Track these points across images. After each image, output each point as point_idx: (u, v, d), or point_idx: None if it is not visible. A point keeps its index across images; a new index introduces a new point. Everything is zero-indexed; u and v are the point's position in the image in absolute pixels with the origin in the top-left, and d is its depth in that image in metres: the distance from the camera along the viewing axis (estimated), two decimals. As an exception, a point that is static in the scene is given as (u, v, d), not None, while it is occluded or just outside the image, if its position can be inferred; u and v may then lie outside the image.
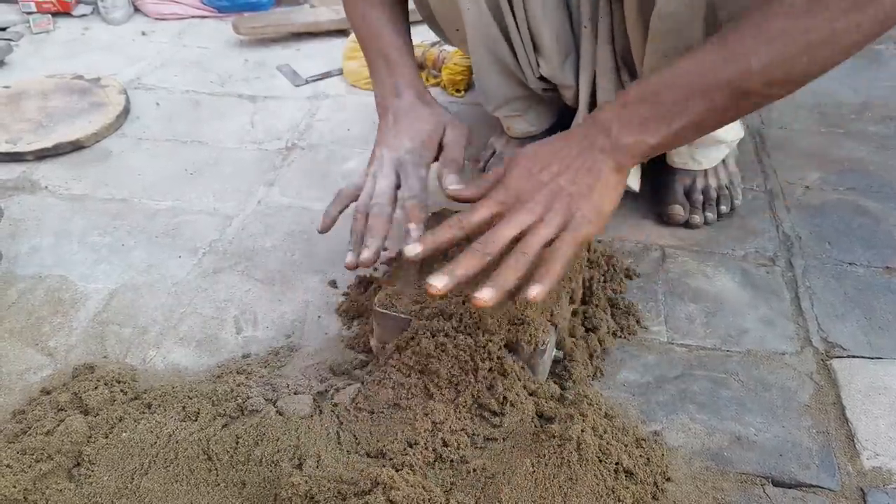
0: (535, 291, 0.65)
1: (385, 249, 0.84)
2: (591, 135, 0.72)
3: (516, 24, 0.96)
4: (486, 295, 0.65)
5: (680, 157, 1.09)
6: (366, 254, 0.80)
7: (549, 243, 0.69)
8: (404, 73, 0.91)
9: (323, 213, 0.89)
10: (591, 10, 0.93)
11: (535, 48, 0.99)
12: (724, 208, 1.10)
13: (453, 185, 0.82)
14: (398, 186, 0.86)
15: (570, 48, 0.98)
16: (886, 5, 0.61)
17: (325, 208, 0.89)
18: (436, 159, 0.89)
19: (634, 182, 1.07)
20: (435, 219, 0.89)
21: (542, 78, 1.04)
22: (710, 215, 1.09)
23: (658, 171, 1.13)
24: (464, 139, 0.90)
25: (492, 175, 0.77)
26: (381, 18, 0.93)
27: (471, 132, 0.92)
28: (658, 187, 1.13)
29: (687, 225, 1.08)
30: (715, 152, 1.09)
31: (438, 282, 0.66)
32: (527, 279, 0.67)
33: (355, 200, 0.88)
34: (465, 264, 0.67)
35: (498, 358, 0.74)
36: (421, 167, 0.87)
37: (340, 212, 0.89)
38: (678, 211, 1.07)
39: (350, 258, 0.83)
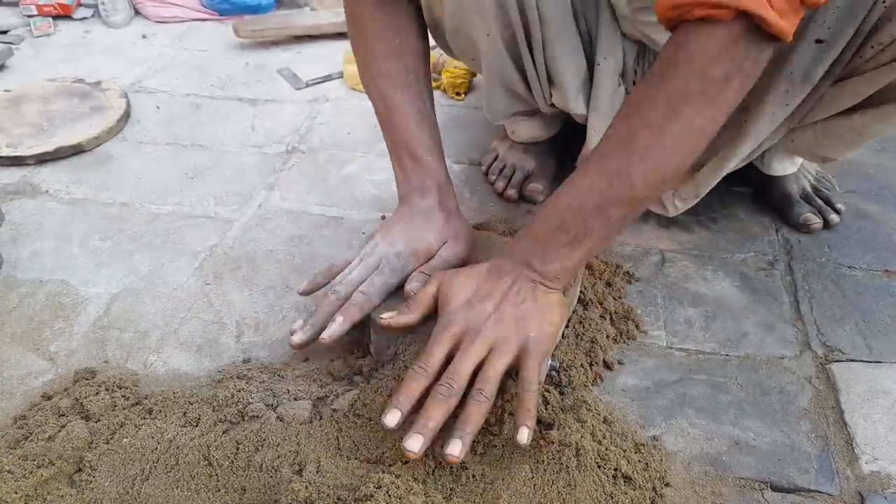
0: (524, 437, 0.68)
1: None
2: (516, 269, 0.76)
3: (534, 64, 0.97)
4: (455, 451, 0.66)
5: (780, 164, 1.10)
6: (297, 336, 0.83)
7: (506, 371, 0.72)
8: (433, 173, 0.90)
9: (311, 277, 0.89)
10: (610, 44, 0.95)
11: (551, 83, 1.00)
12: (836, 199, 1.12)
13: (385, 314, 0.79)
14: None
15: (585, 81, 0.99)
16: (733, 94, 0.67)
17: (314, 273, 0.89)
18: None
19: (672, 208, 1.05)
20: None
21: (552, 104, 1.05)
22: (841, 206, 1.10)
23: (764, 186, 1.14)
24: (454, 260, 0.88)
25: (423, 298, 0.78)
26: (406, 105, 0.90)
27: (469, 257, 0.89)
28: (773, 201, 1.13)
29: (826, 226, 1.09)
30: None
31: (415, 443, 0.66)
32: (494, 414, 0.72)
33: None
34: (435, 416, 0.68)
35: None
36: (395, 273, 0.86)
37: (323, 285, 0.89)
38: (814, 219, 1.08)
39: (296, 326, 0.84)
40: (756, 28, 0.64)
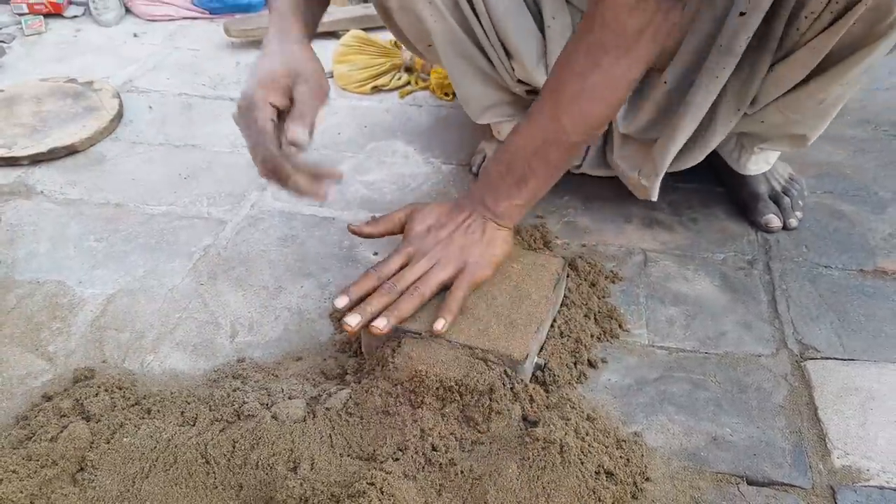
0: (439, 325, 0.79)
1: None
2: (472, 205, 0.89)
3: (485, 32, 0.99)
4: (380, 323, 0.78)
5: (756, 165, 1.13)
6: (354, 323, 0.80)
7: (446, 286, 0.84)
8: (280, 9, 0.86)
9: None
10: (555, 8, 0.98)
11: (508, 54, 1.02)
12: (801, 202, 1.15)
13: (356, 224, 0.92)
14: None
15: (541, 48, 1.01)
16: (646, 45, 0.79)
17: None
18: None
19: (654, 193, 1.07)
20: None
21: (521, 81, 1.07)
22: (800, 214, 1.13)
23: (737, 184, 1.17)
24: (317, 95, 0.83)
25: (392, 218, 0.91)
26: None
27: (325, 93, 0.85)
28: (742, 199, 1.16)
29: (784, 228, 1.12)
30: (778, 150, 1.14)
31: (352, 319, 0.78)
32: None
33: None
34: (374, 304, 0.80)
35: (489, 387, 0.78)
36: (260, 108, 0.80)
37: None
38: (775, 221, 1.11)
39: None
40: None
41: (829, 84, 0.88)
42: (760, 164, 1.13)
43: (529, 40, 1.00)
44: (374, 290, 0.82)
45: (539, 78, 1.03)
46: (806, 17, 0.82)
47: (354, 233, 0.91)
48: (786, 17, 0.85)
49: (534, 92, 1.10)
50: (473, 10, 0.98)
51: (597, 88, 0.81)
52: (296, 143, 0.79)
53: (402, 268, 0.85)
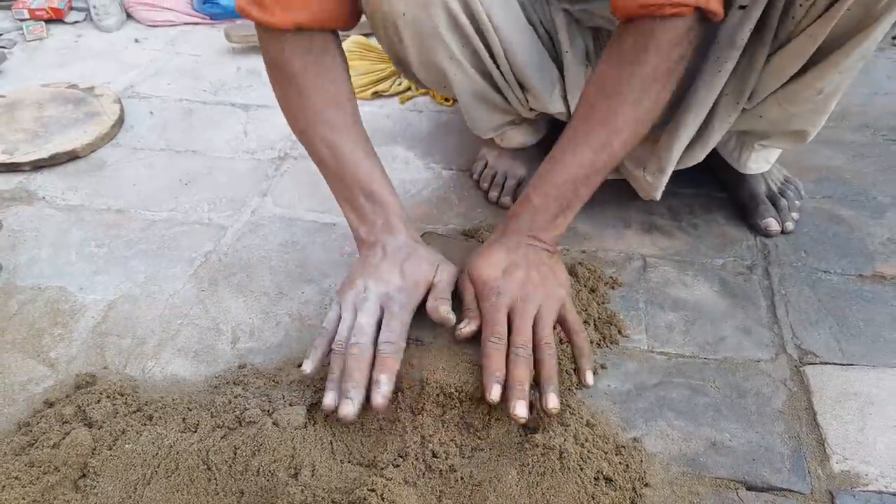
0: (590, 379, 0.84)
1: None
2: (522, 241, 0.87)
3: (502, 75, 1.01)
4: (554, 402, 0.77)
5: (756, 163, 1.13)
6: (347, 408, 0.75)
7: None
8: (395, 210, 0.90)
9: (310, 351, 0.83)
10: (571, 36, 0.99)
11: (523, 88, 1.03)
12: (798, 203, 1.16)
13: (461, 325, 0.83)
14: (380, 323, 0.82)
15: (555, 78, 1.03)
16: (683, 68, 0.83)
17: (310, 349, 0.83)
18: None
19: (659, 191, 1.08)
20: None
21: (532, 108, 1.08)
22: (796, 215, 1.14)
23: (736, 185, 1.18)
24: (454, 280, 0.88)
25: (471, 299, 0.86)
26: (352, 146, 0.90)
27: (459, 273, 0.89)
28: (741, 199, 1.17)
29: (781, 232, 1.13)
30: (777, 150, 1.14)
31: (523, 409, 0.75)
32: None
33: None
34: (524, 378, 0.77)
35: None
36: (406, 309, 0.83)
37: (327, 353, 0.83)
38: (774, 224, 1.12)
39: (330, 400, 0.77)
40: (703, 15, 0.79)
41: (826, 73, 0.88)
42: (761, 162, 1.13)
43: (545, 75, 1.02)
44: (506, 358, 0.79)
45: (553, 106, 1.05)
46: (801, 5, 0.83)
47: (465, 338, 0.84)
48: (781, 6, 0.85)
49: (541, 114, 1.12)
50: (492, 56, 0.99)
51: (647, 112, 0.83)
52: (443, 318, 0.82)
53: (507, 319, 0.82)
